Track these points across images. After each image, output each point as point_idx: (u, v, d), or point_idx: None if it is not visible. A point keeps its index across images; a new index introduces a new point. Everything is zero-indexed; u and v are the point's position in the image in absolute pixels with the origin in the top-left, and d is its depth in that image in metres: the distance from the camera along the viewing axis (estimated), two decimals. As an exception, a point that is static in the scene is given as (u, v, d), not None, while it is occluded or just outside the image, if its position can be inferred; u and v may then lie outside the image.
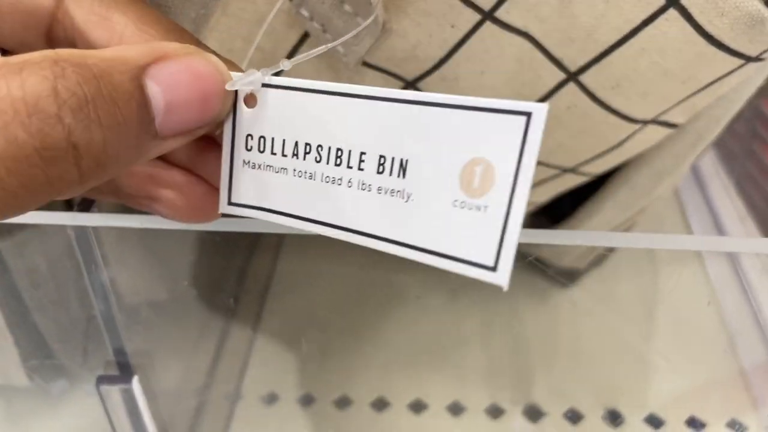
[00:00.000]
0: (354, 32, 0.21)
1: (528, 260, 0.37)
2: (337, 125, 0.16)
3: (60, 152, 0.13)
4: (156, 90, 0.14)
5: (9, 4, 0.16)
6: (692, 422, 0.32)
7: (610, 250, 0.38)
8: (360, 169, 0.16)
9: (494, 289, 0.40)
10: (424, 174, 0.15)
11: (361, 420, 0.33)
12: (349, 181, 0.16)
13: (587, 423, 0.32)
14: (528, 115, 0.14)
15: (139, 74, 0.14)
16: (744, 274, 0.39)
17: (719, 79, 0.24)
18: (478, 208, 0.15)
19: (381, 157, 0.16)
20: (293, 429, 0.33)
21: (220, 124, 0.17)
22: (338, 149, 0.16)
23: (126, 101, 0.14)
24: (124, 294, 0.26)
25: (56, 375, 0.35)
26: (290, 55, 0.25)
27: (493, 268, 0.14)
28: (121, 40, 0.16)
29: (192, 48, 0.15)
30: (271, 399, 0.34)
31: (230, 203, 0.18)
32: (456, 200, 0.15)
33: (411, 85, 0.26)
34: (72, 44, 0.17)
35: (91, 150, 0.13)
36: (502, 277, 0.14)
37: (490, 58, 0.24)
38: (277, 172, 0.17)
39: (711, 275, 0.39)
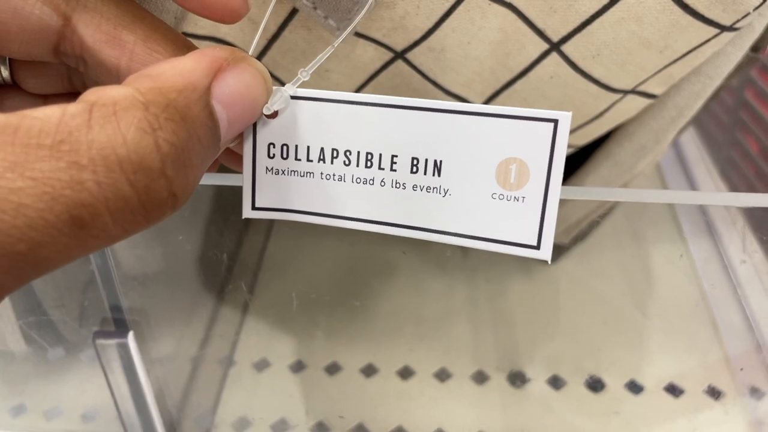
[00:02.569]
0: (361, 16, 0.22)
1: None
2: (364, 132, 0.18)
3: (161, 201, 0.13)
4: (221, 110, 0.15)
5: (18, 24, 0.16)
6: (671, 389, 0.33)
7: (593, 226, 0.39)
8: (393, 170, 0.18)
9: (479, 265, 0.41)
10: (459, 172, 0.17)
11: (351, 385, 0.34)
12: (382, 181, 0.18)
13: (569, 389, 0.34)
14: (555, 121, 0.17)
15: (208, 99, 0.15)
16: (725, 250, 0.41)
17: (695, 48, 0.25)
18: (517, 199, 0.17)
19: (414, 158, 0.18)
20: (284, 393, 0.34)
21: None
22: (368, 153, 0.18)
23: (206, 135, 0.14)
24: (121, 255, 0.27)
25: (53, 342, 0.36)
26: (280, 28, 0.26)
27: (537, 247, 0.17)
28: (131, 57, 0.17)
29: (239, 54, 0.16)
30: (263, 365, 0.35)
31: (254, 208, 0.19)
32: (494, 193, 0.17)
33: (400, 55, 0.27)
34: (81, 60, 0.17)
35: (186, 191, 0.14)
36: (545, 254, 0.17)
37: (475, 29, 0.25)
38: (303, 176, 0.19)
39: (692, 251, 0.40)
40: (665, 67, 0.26)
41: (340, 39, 0.20)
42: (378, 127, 0.18)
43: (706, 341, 0.36)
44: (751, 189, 0.51)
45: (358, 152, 0.18)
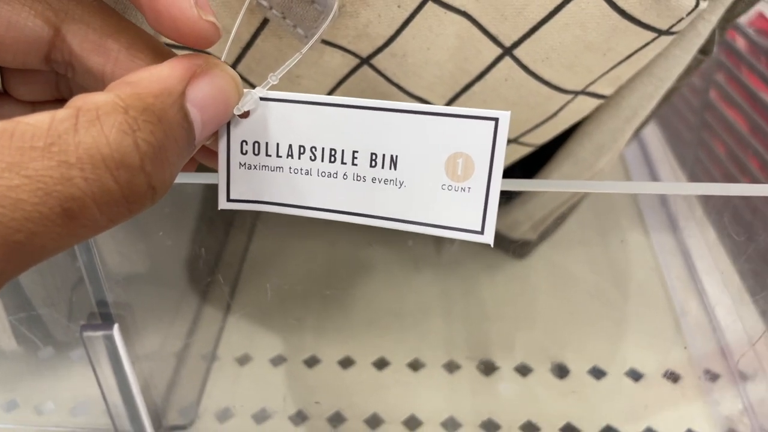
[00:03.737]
0: (326, 25, 0.24)
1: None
2: (328, 130, 0.20)
3: (142, 194, 0.15)
4: (195, 113, 0.17)
5: (12, 36, 0.18)
6: (631, 373, 0.35)
7: (559, 223, 0.41)
8: (354, 164, 0.20)
9: (452, 262, 0.43)
10: (413, 166, 0.19)
11: (329, 376, 0.36)
12: (345, 174, 0.20)
13: (536, 375, 0.35)
14: (496, 120, 0.19)
15: (183, 103, 0.16)
16: (684, 243, 0.43)
17: (637, 51, 0.27)
18: (463, 189, 0.19)
19: (372, 154, 0.20)
20: (265, 385, 0.35)
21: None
22: (332, 149, 0.20)
23: (181, 135, 0.16)
24: (106, 253, 0.29)
25: (43, 340, 0.37)
26: (253, 37, 0.27)
27: (481, 232, 0.19)
28: (116, 64, 0.18)
29: (212, 60, 0.18)
30: (245, 360, 0.37)
31: (229, 200, 0.21)
32: (444, 184, 0.19)
33: (365, 61, 0.29)
34: (70, 66, 0.19)
35: (164, 185, 0.16)
36: (488, 238, 0.19)
37: (434, 36, 0.27)
38: (273, 170, 0.20)
39: (655, 245, 0.42)
40: (611, 69, 0.28)
41: (308, 46, 0.22)
42: (340, 125, 0.20)
43: (666, 328, 0.37)
44: (736, 213, 0.53)
45: (323, 149, 0.20)
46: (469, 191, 0.19)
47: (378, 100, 0.19)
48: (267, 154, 0.20)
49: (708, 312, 0.38)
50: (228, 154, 0.21)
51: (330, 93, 0.30)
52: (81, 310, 0.35)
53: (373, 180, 0.20)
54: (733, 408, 0.33)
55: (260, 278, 0.41)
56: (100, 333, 0.27)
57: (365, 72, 0.29)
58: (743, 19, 0.47)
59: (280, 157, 0.20)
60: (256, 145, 0.20)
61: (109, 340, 0.28)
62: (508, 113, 0.19)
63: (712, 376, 0.35)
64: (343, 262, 0.42)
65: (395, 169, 0.20)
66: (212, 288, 0.40)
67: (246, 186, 0.21)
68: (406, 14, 0.26)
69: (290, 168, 0.20)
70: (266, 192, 0.21)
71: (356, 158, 0.20)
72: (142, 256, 0.32)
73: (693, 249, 0.41)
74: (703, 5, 0.26)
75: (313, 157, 0.20)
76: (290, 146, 0.20)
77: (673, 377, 0.35)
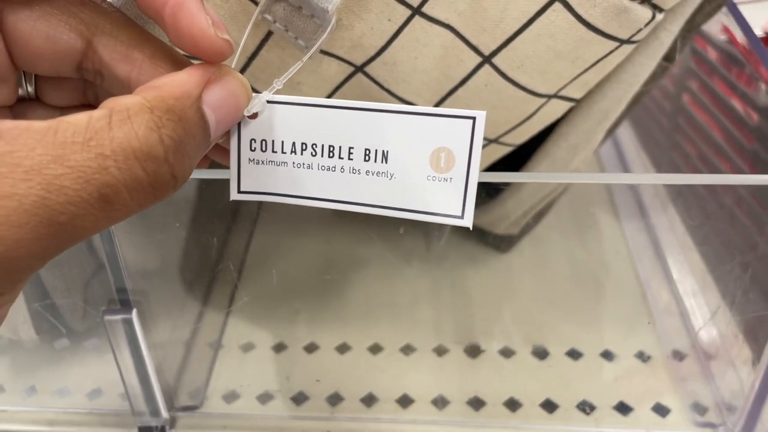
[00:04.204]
0: (325, 36, 0.27)
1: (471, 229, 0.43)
2: (327, 128, 0.22)
3: (166, 182, 0.18)
4: (210, 113, 0.19)
5: (49, 47, 0.21)
6: (606, 354, 0.38)
7: (539, 218, 0.44)
8: (350, 159, 0.22)
9: (440, 257, 0.46)
10: (402, 160, 0.22)
11: (327, 361, 0.38)
12: (342, 168, 0.23)
13: (518, 357, 0.38)
14: (474, 118, 0.21)
15: (200, 105, 0.19)
16: (654, 232, 0.46)
17: (602, 58, 0.31)
18: (446, 180, 0.22)
19: (366, 149, 0.22)
20: (268, 370, 0.38)
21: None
22: (330, 146, 0.23)
23: (198, 132, 0.19)
24: (126, 244, 0.31)
25: (60, 331, 0.40)
26: (258, 48, 0.30)
27: (461, 217, 0.22)
28: (140, 71, 0.21)
29: (225, 68, 0.21)
30: (249, 347, 0.39)
31: (239, 192, 0.24)
32: (429, 175, 0.22)
33: (359, 69, 0.32)
34: (99, 74, 0.22)
35: (184, 174, 0.18)
36: (467, 222, 0.22)
37: (421, 46, 0.30)
38: (278, 165, 0.23)
39: (627, 235, 0.46)
40: (579, 74, 0.31)
41: (308, 55, 0.25)
42: (337, 125, 0.23)
43: (637, 313, 0.41)
44: (690, 188, 0.56)
45: (322, 145, 0.23)
46: (450, 181, 0.22)
47: (371, 102, 0.22)
48: (273, 151, 0.23)
49: (675, 297, 0.41)
50: (239, 151, 0.23)
51: (328, 98, 0.33)
52: (95, 302, 0.38)
53: (367, 173, 0.23)
54: (697, 384, 0.36)
55: (261, 273, 0.44)
56: (119, 317, 0.30)
57: (359, 79, 0.32)
58: (714, 30, 0.50)
59: (285, 153, 0.23)
60: (263, 142, 0.23)
61: (128, 324, 0.31)
62: (483, 113, 0.21)
63: (680, 356, 0.38)
64: (338, 258, 0.45)
65: (386, 162, 0.23)
66: (218, 278, 0.42)
67: (254, 179, 0.24)
68: (396, 27, 0.29)
69: (293, 163, 0.23)
70: (272, 184, 0.24)
71: (352, 154, 0.23)
72: (157, 247, 0.35)
73: (662, 239, 0.45)
74: (659, 17, 0.30)
75: (313, 153, 0.23)
76: (293, 143, 0.23)
77: (643, 357, 0.38)
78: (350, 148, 0.23)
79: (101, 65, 0.21)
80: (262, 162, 0.23)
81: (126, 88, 0.22)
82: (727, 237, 0.39)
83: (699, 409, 0.35)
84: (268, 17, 0.28)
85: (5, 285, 0.17)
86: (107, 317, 0.30)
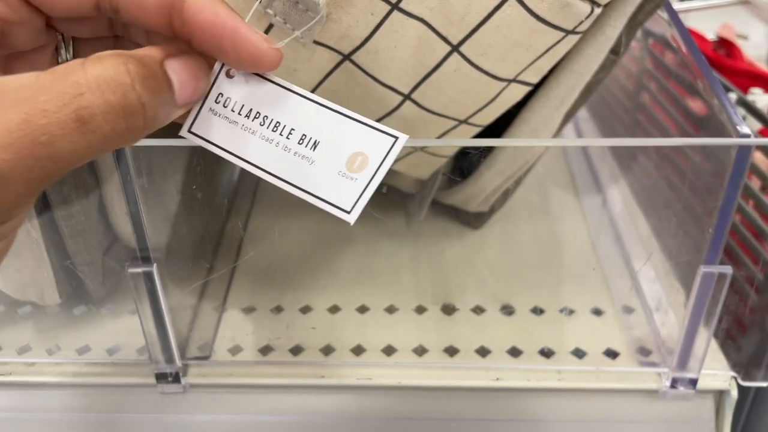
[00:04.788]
0: (310, 24, 0.32)
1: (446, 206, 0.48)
2: (283, 108, 0.26)
3: (135, 108, 0.21)
4: (172, 73, 0.23)
5: None
6: (565, 310, 0.44)
7: (507, 196, 0.50)
8: (288, 138, 0.26)
9: (419, 233, 0.52)
10: (326, 152, 0.26)
11: (320, 320, 0.43)
12: (277, 143, 0.26)
13: (488, 314, 0.44)
14: (396, 138, 0.25)
15: (162, 65, 0.22)
16: (609, 209, 0.51)
17: (552, 46, 0.36)
18: (352, 179, 0.25)
19: (303, 135, 0.26)
20: (267, 330, 0.43)
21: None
22: (277, 122, 0.26)
23: (161, 79, 0.22)
24: (148, 206, 0.36)
25: (78, 300, 0.44)
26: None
27: (349, 212, 0.25)
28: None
29: (185, 47, 0.23)
30: (250, 310, 0.44)
31: (189, 131, 0.27)
32: (340, 171, 0.26)
33: (347, 57, 0.37)
34: (115, 9, 0.24)
35: (151, 107, 0.21)
36: (352, 218, 0.25)
37: (398, 37, 0.36)
38: (230, 123, 0.27)
39: (585, 207, 0.51)
40: (534, 61, 0.37)
41: (297, 33, 0.30)
42: (291, 107, 0.26)
43: (592, 275, 0.46)
44: (648, 179, 0.62)
45: (272, 120, 0.26)
46: (354, 181, 0.25)
47: (325, 100, 0.26)
48: (231, 110, 0.27)
49: (625, 259, 0.47)
50: (206, 98, 0.27)
51: (319, 83, 0.38)
52: (112, 270, 0.43)
53: (295, 153, 0.26)
54: (643, 332, 0.42)
55: (259, 247, 0.49)
56: (142, 269, 0.35)
57: (347, 66, 0.37)
58: (669, 34, 0.56)
59: (240, 115, 0.26)
60: (228, 99, 0.27)
61: (149, 277, 0.35)
62: (406, 137, 0.25)
63: (628, 310, 0.44)
64: (327, 235, 0.50)
65: (314, 150, 0.26)
66: (220, 253, 0.47)
67: (206, 127, 0.27)
68: (378, 20, 0.35)
69: (242, 125, 0.27)
70: (218, 137, 0.27)
71: (291, 134, 0.26)
72: (173, 211, 0.40)
73: (615, 212, 0.50)
74: (597, 11, 0.35)
75: (261, 123, 0.26)
76: (250, 110, 0.26)
77: (597, 312, 0.43)
78: (292, 129, 0.26)
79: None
80: (219, 115, 0.27)
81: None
82: (665, 201, 0.45)
83: (644, 351, 0.41)
84: (270, 11, 0.33)
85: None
86: (131, 270, 0.35)
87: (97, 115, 0.19)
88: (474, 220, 0.51)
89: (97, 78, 0.20)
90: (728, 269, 0.35)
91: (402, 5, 0.34)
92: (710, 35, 0.77)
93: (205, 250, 0.46)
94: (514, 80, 0.38)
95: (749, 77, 0.68)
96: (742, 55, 0.73)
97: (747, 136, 0.33)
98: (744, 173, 0.33)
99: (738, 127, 0.34)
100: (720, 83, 0.39)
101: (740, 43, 0.75)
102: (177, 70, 0.23)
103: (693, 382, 0.38)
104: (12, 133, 0.18)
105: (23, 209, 0.20)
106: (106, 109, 0.20)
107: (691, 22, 0.80)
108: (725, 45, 0.75)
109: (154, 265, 0.35)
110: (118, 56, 0.21)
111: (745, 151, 0.33)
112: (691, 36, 0.47)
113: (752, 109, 0.53)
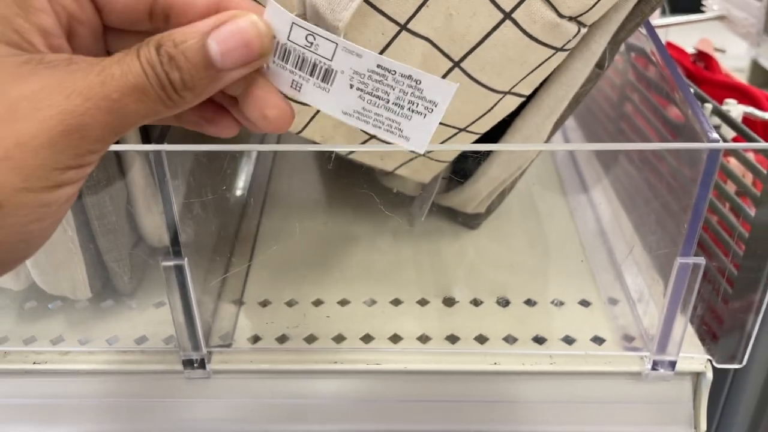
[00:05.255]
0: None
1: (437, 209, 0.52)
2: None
3: (168, 86, 0.24)
4: (214, 44, 0.25)
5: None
6: (555, 302, 0.48)
7: (501, 198, 0.54)
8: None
9: (421, 233, 0.56)
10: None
11: (332, 312, 0.47)
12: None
13: (485, 306, 0.47)
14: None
15: (204, 38, 0.25)
16: (595, 209, 0.56)
17: (543, 62, 0.40)
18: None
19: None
20: (282, 322, 0.46)
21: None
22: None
23: (194, 54, 0.24)
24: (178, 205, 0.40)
25: (106, 296, 0.48)
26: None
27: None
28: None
29: (238, 12, 0.25)
30: (265, 303, 0.48)
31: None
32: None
33: (358, 72, 0.41)
34: (166, 18, 0.27)
35: (183, 80, 0.24)
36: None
37: (406, 54, 0.39)
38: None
39: (573, 206, 0.55)
40: (527, 75, 0.41)
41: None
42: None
43: (581, 269, 0.50)
44: (630, 180, 0.66)
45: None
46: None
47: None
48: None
49: (610, 255, 0.51)
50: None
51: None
52: (138, 269, 0.46)
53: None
54: (627, 320, 0.46)
55: (272, 246, 0.53)
56: (173, 263, 0.39)
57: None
58: (649, 49, 0.60)
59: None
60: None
61: (179, 270, 0.39)
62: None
63: (613, 301, 0.48)
64: (335, 235, 0.54)
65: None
66: (236, 252, 0.51)
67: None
68: (387, 39, 0.39)
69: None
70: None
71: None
72: (198, 211, 0.43)
73: (601, 212, 0.55)
74: (583, 30, 0.39)
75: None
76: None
77: (585, 303, 0.47)
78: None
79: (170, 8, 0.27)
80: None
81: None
82: (645, 200, 0.49)
83: (627, 338, 0.45)
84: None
85: (75, 157, 0.22)
86: (164, 263, 0.39)
87: (149, 88, 0.23)
88: (471, 220, 0.55)
89: (143, 57, 0.24)
90: (702, 260, 0.39)
91: (410, 26, 0.38)
92: (690, 49, 0.81)
93: (225, 247, 0.50)
94: (509, 92, 0.42)
95: (726, 88, 0.73)
96: (720, 68, 0.78)
97: (717, 141, 0.37)
98: (714, 173, 0.37)
99: (708, 134, 0.38)
100: (693, 94, 0.43)
101: (718, 56, 0.80)
102: (220, 39, 0.24)
103: (672, 365, 0.42)
104: (92, 89, 0.22)
105: (96, 156, 0.23)
106: (149, 84, 0.23)
107: (673, 36, 0.85)
108: (703, 58, 0.79)
109: (185, 258, 0.39)
110: (155, 44, 0.24)
111: (715, 154, 0.37)
112: (667, 50, 0.51)
113: (726, 118, 0.57)
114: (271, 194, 0.59)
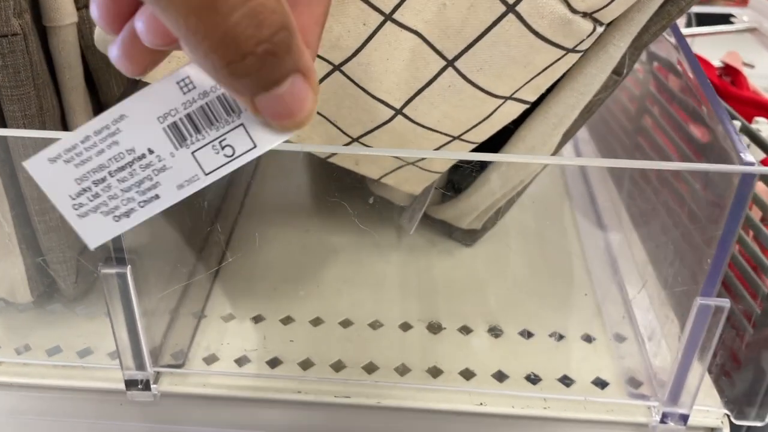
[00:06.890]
0: None
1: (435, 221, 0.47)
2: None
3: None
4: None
5: None
6: (554, 335, 0.42)
7: (500, 214, 0.48)
8: None
9: (413, 248, 0.51)
10: None
11: (302, 332, 0.42)
12: None
13: (475, 335, 0.42)
14: None
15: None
16: (606, 234, 0.50)
17: (551, 65, 0.35)
18: None
19: None
20: (246, 338, 0.41)
21: None
22: None
23: None
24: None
25: (51, 298, 0.43)
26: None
27: None
28: None
29: None
30: (229, 318, 0.43)
31: None
32: None
33: (337, 68, 0.35)
34: None
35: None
36: None
37: (391, 49, 0.34)
38: None
39: (581, 231, 0.50)
40: (531, 79, 0.36)
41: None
42: None
43: (585, 299, 0.45)
44: (647, 203, 0.61)
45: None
46: None
47: None
48: None
49: (620, 286, 0.45)
50: None
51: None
52: (87, 270, 0.42)
53: None
54: (635, 362, 0.41)
55: (243, 255, 0.48)
56: (115, 270, 0.34)
57: (337, 77, 0.36)
58: (675, 58, 0.55)
59: None
60: None
61: (122, 279, 0.34)
62: None
63: (620, 338, 0.42)
64: (314, 245, 0.49)
65: None
66: (202, 259, 0.46)
67: None
68: (370, 31, 0.33)
69: None
70: None
71: None
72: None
73: (612, 239, 0.49)
74: (599, 29, 0.34)
75: None
76: None
77: (588, 339, 0.42)
78: None
79: None
80: None
81: None
82: (664, 227, 0.44)
83: (634, 383, 0.39)
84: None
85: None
86: (104, 270, 0.34)
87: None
88: (466, 237, 0.50)
89: None
90: (726, 302, 0.34)
91: (396, 16, 0.33)
92: (716, 62, 0.76)
93: (187, 255, 0.45)
94: (511, 98, 0.37)
95: (753, 106, 0.67)
96: (747, 84, 0.72)
97: (751, 164, 0.32)
98: (746, 202, 0.32)
99: (742, 155, 0.33)
100: (725, 110, 0.38)
101: (746, 72, 0.74)
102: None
103: (684, 418, 0.37)
104: None
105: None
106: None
107: (698, 47, 0.80)
108: (730, 72, 0.74)
109: (128, 266, 0.34)
110: None
111: (748, 179, 0.32)
112: (698, 61, 0.46)
113: (756, 138, 0.51)
114: (252, 196, 0.54)
